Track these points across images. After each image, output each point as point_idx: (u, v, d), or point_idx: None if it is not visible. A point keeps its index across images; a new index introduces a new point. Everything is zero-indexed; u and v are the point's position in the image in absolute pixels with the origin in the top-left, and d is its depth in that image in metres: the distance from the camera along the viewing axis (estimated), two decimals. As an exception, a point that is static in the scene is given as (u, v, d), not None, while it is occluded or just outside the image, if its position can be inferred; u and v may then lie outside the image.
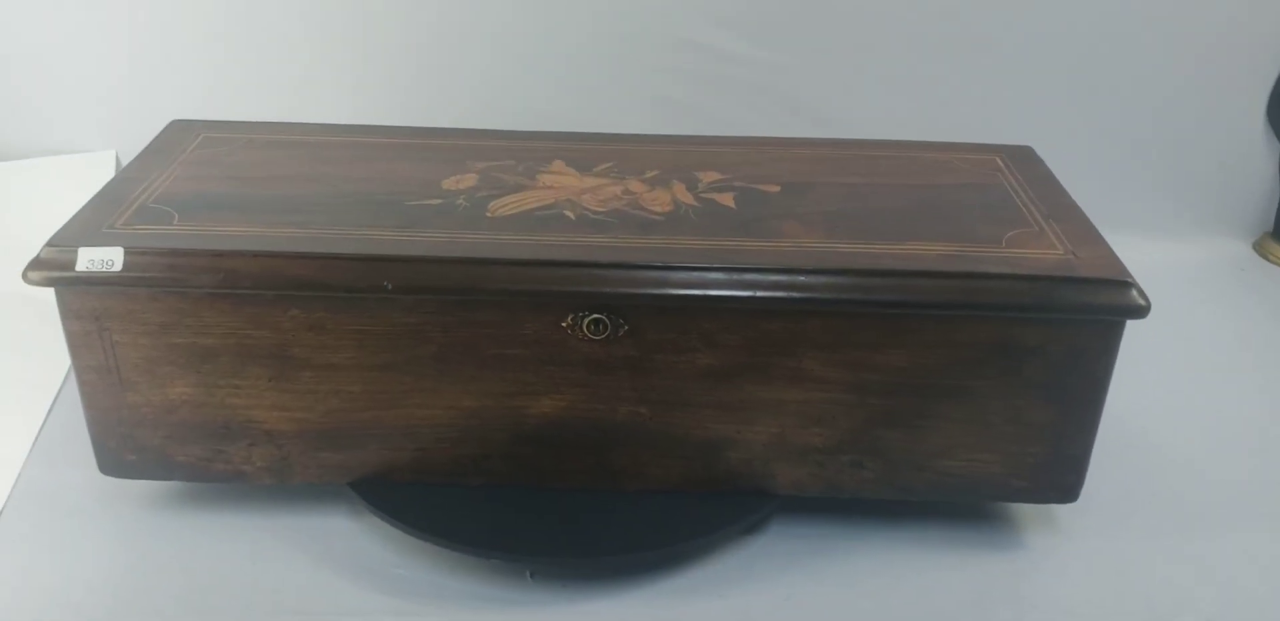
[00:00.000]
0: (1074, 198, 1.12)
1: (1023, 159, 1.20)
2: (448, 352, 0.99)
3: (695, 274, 0.96)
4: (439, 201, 1.06)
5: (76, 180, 1.57)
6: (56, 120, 1.55)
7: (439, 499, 1.05)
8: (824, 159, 1.18)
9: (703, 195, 1.09)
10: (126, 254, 0.95)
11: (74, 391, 1.03)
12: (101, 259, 0.95)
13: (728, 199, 1.08)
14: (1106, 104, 1.55)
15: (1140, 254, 1.14)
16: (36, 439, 1.18)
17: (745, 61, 1.49)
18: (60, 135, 1.56)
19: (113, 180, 1.09)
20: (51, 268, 0.95)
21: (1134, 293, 0.95)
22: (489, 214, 1.04)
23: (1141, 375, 1.27)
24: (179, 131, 1.20)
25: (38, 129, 1.56)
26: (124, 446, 1.04)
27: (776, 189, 1.11)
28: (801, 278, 0.95)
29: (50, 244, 0.96)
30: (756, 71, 1.49)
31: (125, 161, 1.53)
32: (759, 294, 0.95)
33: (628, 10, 1.46)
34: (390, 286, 0.95)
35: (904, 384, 1.00)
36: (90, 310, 0.97)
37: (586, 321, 0.97)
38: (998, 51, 1.49)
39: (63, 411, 1.22)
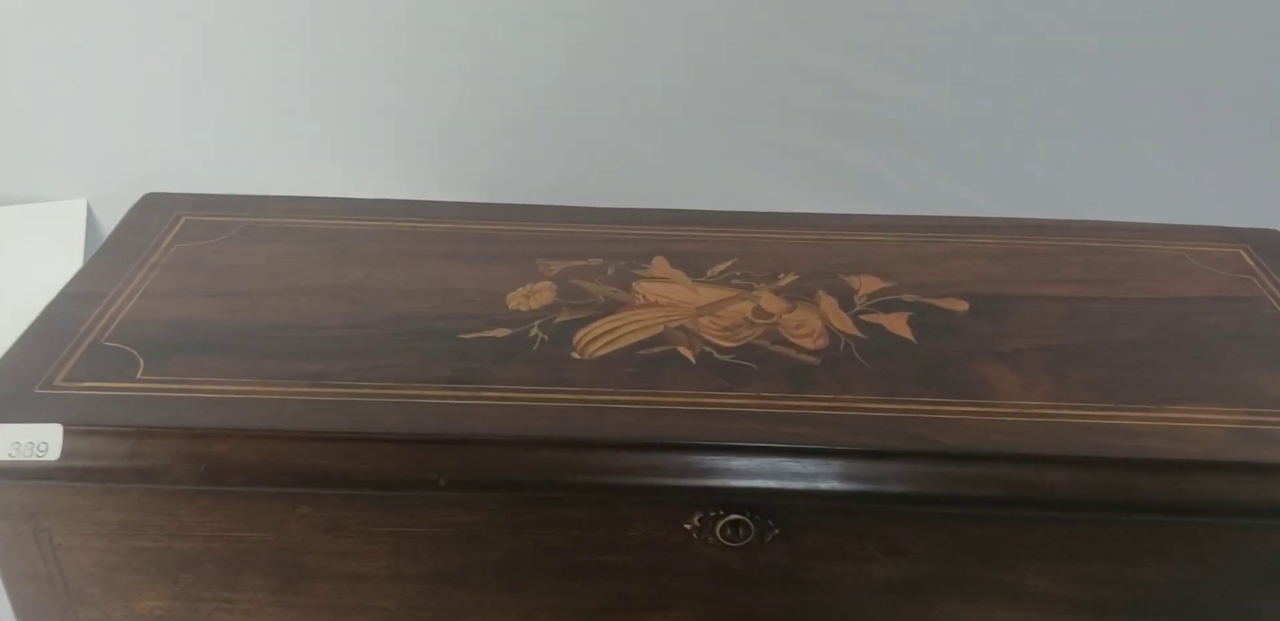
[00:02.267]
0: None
1: (1274, 252, 0.90)
2: (519, 559, 0.71)
3: (875, 464, 0.67)
4: (506, 332, 0.77)
5: (43, 231, 1.30)
6: (22, 165, 1.26)
7: (506, 737, 0.77)
8: (1015, 253, 0.88)
9: (864, 317, 0.80)
10: (66, 434, 0.66)
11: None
12: (32, 442, 0.66)
13: (900, 324, 0.79)
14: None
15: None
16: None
17: (880, 98, 1.17)
18: (27, 182, 1.27)
19: (60, 296, 0.80)
20: (-40, 455, 0.66)
21: None
22: (575, 353, 0.75)
23: None
24: (152, 211, 0.91)
25: (2, 174, 1.27)
26: (78, 668, 0.76)
27: (964, 307, 0.81)
28: (1029, 470, 0.66)
29: (-40, 415, 0.68)
30: (895, 111, 1.17)
31: (97, 211, 1.26)
32: (967, 493, 0.66)
33: (728, 35, 1.14)
34: (444, 482, 0.66)
35: (1161, 604, 0.71)
36: (21, 507, 0.69)
37: (721, 524, 0.68)
38: (1185, 86, 1.16)
39: None
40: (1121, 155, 1.13)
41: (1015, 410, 0.70)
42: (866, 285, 0.83)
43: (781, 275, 0.85)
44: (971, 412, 0.70)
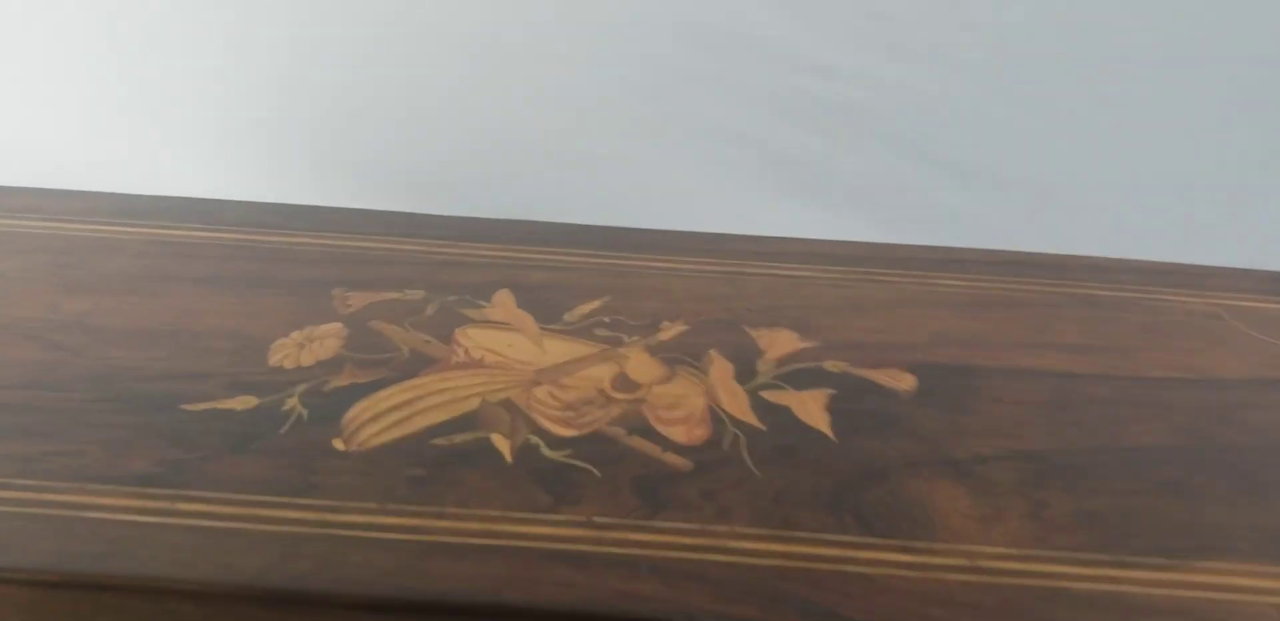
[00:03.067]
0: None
1: (1340, 307, 0.66)
2: None
3: (751, 648, 0.44)
4: (251, 402, 0.54)
5: None
6: None
7: None
8: (990, 301, 0.65)
9: (767, 395, 0.57)
10: None
11: None
12: None
13: (815, 409, 0.56)
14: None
15: None
16: None
17: (847, 79, 0.92)
18: None
19: None
20: None
21: None
22: (339, 441, 0.52)
23: None
24: None
25: None
26: None
27: (910, 384, 0.58)
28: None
29: None
30: (859, 92, 0.92)
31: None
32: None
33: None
34: (85, 655, 0.44)
35: None
36: None
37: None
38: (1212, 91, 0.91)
39: None
40: (1143, 165, 0.89)
41: (966, 563, 0.47)
42: (779, 344, 0.60)
43: (666, 323, 0.61)
44: (902, 564, 0.47)
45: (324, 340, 0.59)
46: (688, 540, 0.48)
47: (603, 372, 0.58)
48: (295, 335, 0.59)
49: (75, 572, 0.45)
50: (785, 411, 0.56)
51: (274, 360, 0.57)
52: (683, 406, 0.55)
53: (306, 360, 0.57)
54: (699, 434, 0.54)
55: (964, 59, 0.88)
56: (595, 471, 0.51)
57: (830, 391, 0.57)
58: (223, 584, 0.45)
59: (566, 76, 0.91)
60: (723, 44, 0.89)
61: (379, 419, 0.54)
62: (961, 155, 0.95)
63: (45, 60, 0.94)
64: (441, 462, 0.51)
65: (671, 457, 0.52)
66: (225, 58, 0.91)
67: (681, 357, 0.59)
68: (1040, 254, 0.69)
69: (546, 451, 0.52)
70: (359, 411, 0.54)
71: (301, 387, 0.55)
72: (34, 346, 0.57)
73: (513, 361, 0.58)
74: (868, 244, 0.69)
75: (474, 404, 0.55)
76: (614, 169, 0.94)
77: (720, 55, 0.90)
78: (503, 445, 0.52)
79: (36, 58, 0.94)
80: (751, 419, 0.55)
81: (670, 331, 0.61)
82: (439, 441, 0.52)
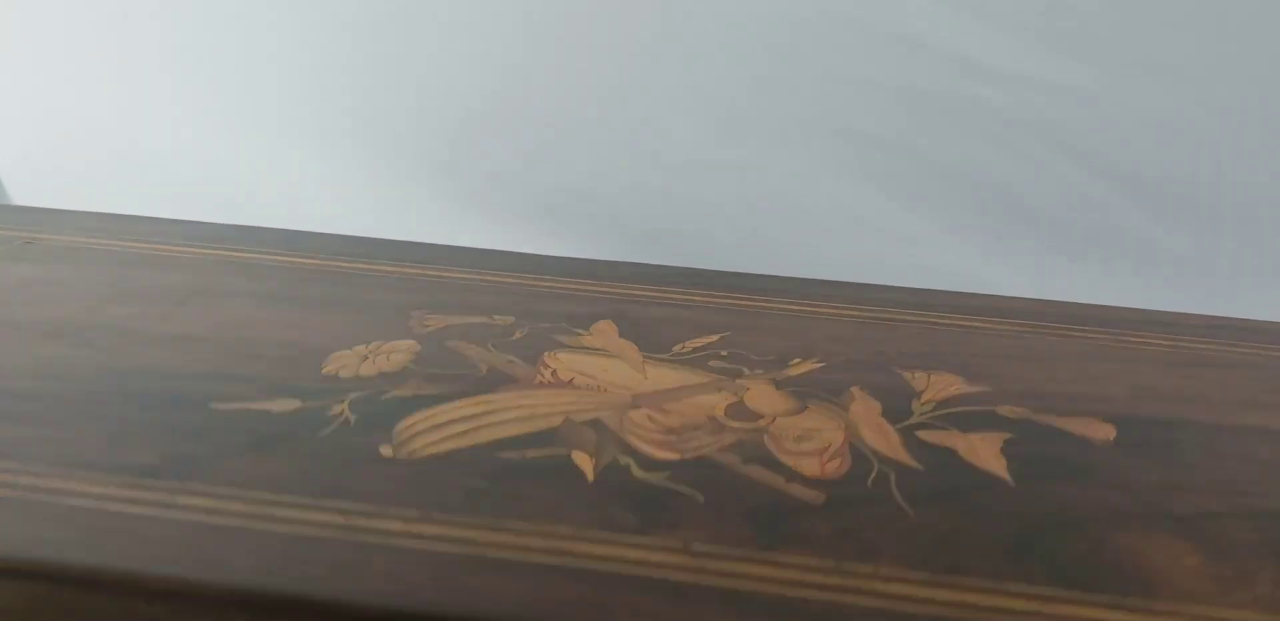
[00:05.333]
0: None
1: None
2: None
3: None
4: (291, 406, 0.45)
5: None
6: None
7: None
8: (1200, 362, 0.53)
9: (923, 435, 0.45)
10: None
11: None
12: None
13: (989, 452, 0.44)
14: None
15: None
16: None
17: (1008, 80, 0.82)
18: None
19: None
20: None
21: None
22: (387, 447, 0.42)
23: None
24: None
25: None
26: None
27: (1109, 434, 0.46)
28: None
29: None
30: (1041, 100, 0.81)
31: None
32: None
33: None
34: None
35: None
36: None
37: None
38: None
39: None
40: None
41: (1207, 627, 0.34)
42: (939, 386, 0.49)
43: (796, 360, 0.51)
44: (1115, 623, 0.34)
45: (392, 354, 0.50)
46: (820, 578, 0.36)
47: (714, 401, 0.47)
48: (360, 348, 0.50)
49: (18, 560, 0.35)
50: (947, 453, 0.44)
51: (329, 368, 0.48)
52: (815, 439, 0.44)
53: (367, 371, 0.48)
54: (835, 467, 0.42)
55: (1167, 63, 0.76)
56: (699, 495, 0.40)
57: (1005, 435, 0.45)
58: (207, 584, 0.34)
59: (710, 79, 0.82)
60: (883, 43, 0.80)
61: (437, 430, 0.44)
62: (1159, 175, 0.82)
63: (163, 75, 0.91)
64: (510, 475, 0.41)
65: (798, 489, 0.41)
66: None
67: (815, 392, 0.48)
68: (1264, 322, 0.57)
69: (638, 472, 0.41)
70: (414, 421, 0.44)
71: (354, 395, 0.46)
72: (64, 344, 0.49)
73: (609, 385, 0.48)
74: (1044, 301, 0.58)
75: (557, 421, 0.45)
76: (754, 180, 0.84)
77: (880, 56, 0.80)
78: (585, 463, 0.42)
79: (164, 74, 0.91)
80: (904, 457, 0.43)
81: (801, 367, 0.50)
82: (507, 455, 0.42)
